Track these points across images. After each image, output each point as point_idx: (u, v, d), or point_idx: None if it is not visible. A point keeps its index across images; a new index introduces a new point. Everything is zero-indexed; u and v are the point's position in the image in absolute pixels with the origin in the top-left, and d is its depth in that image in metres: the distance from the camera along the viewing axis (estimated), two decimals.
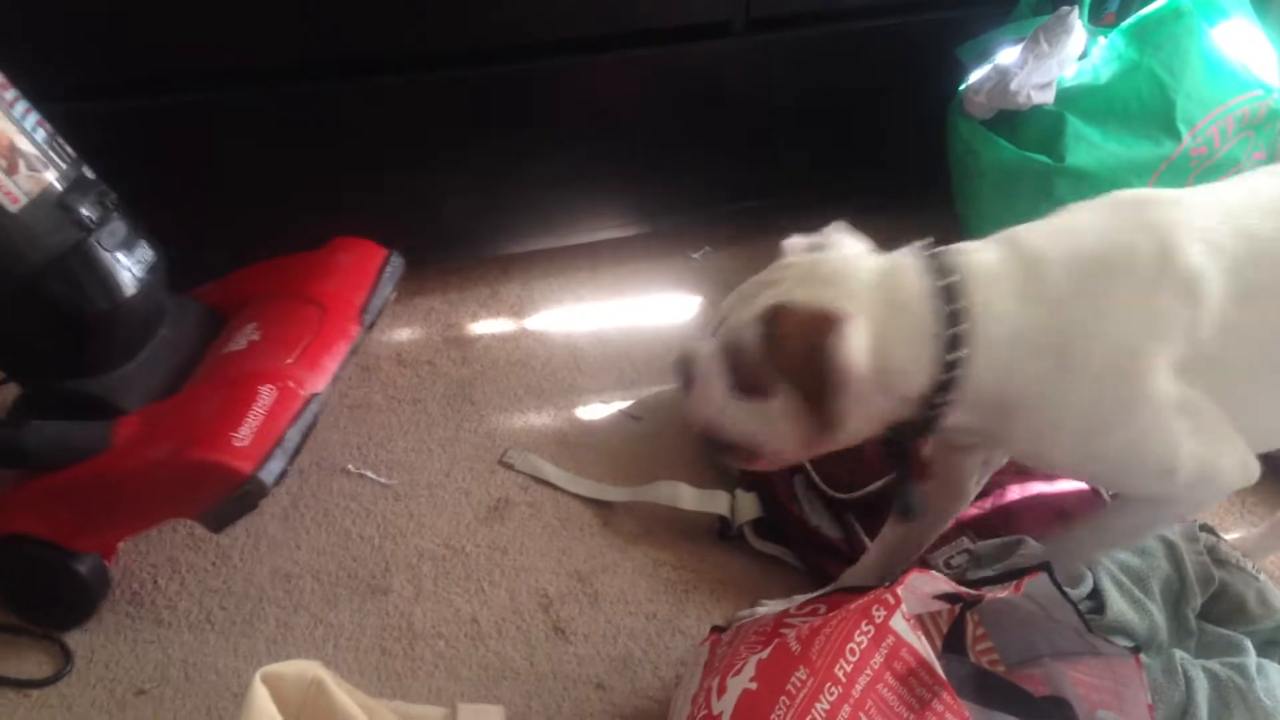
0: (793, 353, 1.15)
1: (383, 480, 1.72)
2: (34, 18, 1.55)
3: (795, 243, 1.28)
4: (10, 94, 1.35)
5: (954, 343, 1.16)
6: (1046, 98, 1.87)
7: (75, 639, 1.48)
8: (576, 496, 1.72)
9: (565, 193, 2.06)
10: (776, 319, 1.16)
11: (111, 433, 1.39)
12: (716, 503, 1.67)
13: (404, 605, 1.55)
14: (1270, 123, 1.90)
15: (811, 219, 2.19)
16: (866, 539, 1.58)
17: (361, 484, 1.72)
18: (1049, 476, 1.65)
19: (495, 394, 1.90)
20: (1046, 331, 1.16)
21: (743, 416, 1.23)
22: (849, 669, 1.10)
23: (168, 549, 1.60)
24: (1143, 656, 1.28)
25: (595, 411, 1.88)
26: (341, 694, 1.08)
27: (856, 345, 1.12)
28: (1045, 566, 1.24)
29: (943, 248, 1.22)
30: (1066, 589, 1.27)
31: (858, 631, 1.12)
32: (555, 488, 1.73)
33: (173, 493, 1.38)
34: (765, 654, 1.14)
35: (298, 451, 1.38)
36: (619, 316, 2.08)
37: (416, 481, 1.73)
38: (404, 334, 2.01)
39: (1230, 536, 1.54)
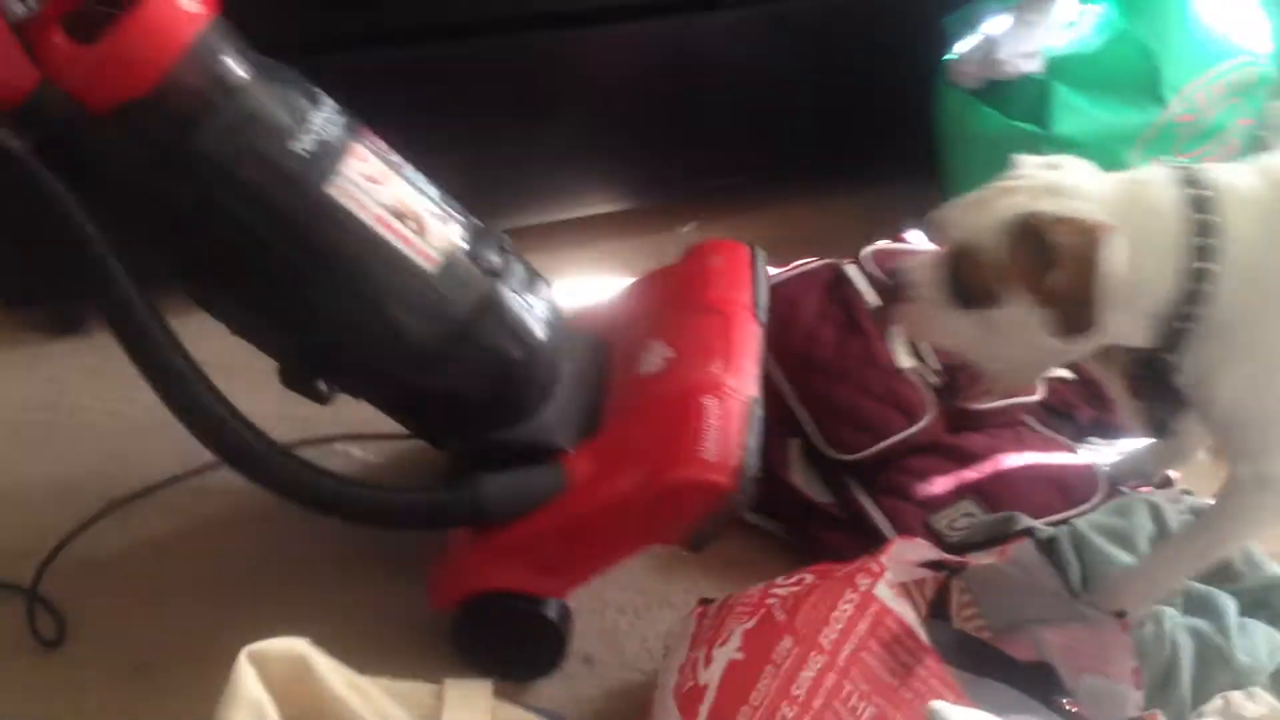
0: (1061, 262, 1.14)
1: (371, 458, 1.72)
2: None
3: (1028, 158, 1.28)
4: (395, 157, 1.36)
5: (1204, 254, 1.15)
6: (1034, 66, 1.86)
7: (69, 615, 1.47)
8: None
9: (552, 169, 2.05)
10: (1032, 228, 1.16)
11: (564, 473, 1.36)
12: None
13: (401, 584, 1.54)
14: (1258, 89, 1.90)
15: (798, 192, 2.22)
16: (868, 502, 1.59)
17: (349, 462, 1.71)
18: (1044, 446, 1.65)
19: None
20: (1271, 268, 1.16)
21: (964, 326, 1.23)
22: (834, 637, 1.11)
23: (166, 529, 1.60)
24: (1129, 618, 1.29)
25: None
26: (328, 671, 1.08)
27: (1120, 257, 1.13)
28: (1029, 532, 1.24)
29: (1188, 165, 1.21)
30: (1052, 558, 1.27)
31: (842, 600, 1.12)
32: None
33: (651, 520, 1.35)
34: (751, 624, 1.14)
35: (758, 457, 1.35)
36: (608, 293, 2.07)
37: (405, 460, 1.72)
38: None
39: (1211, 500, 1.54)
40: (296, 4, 1.70)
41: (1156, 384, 1.29)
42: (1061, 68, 1.85)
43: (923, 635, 1.12)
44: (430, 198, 1.36)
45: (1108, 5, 1.86)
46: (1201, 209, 1.16)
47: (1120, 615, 1.26)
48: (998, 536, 1.44)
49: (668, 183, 2.17)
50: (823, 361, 1.66)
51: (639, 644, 1.50)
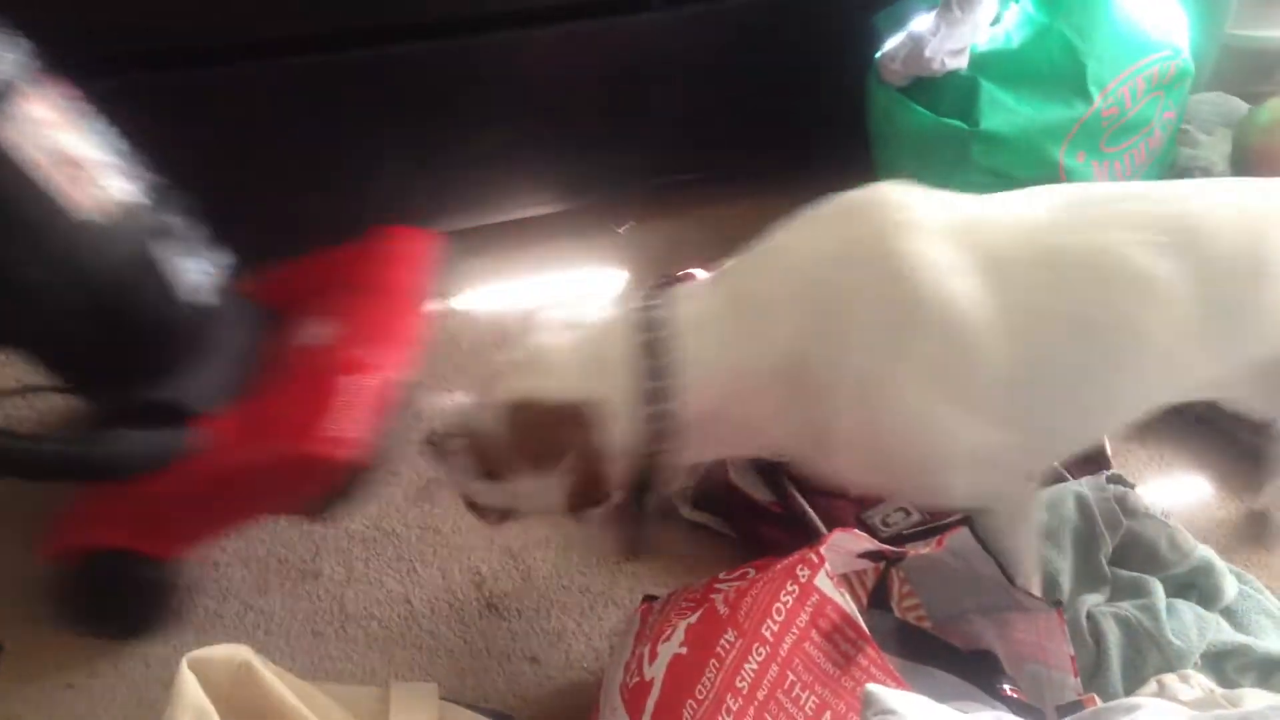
0: (542, 447, 1.21)
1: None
2: None
3: (549, 319, 1.30)
4: (77, 103, 1.33)
5: (658, 396, 1.19)
6: (960, 63, 1.88)
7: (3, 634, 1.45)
8: None
9: (488, 171, 2.05)
10: (521, 417, 1.21)
11: (198, 435, 1.36)
12: None
13: (335, 588, 1.55)
14: (1180, 83, 1.94)
15: (735, 190, 2.23)
16: (805, 504, 1.59)
17: None
18: None
19: (422, 374, 1.88)
20: (774, 369, 1.19)
21: (496, 496, 1.28)
22: (775, 629, 1.12)
23: None
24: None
25: None
26: (271, 676, 1.07)
27: (607, 430, 1.19)
28: (966, 521, 1.26)
29: (659, 298, 1.24)
30: (987, 546, 1.29)
31: (783, 591, 1.13)
32: None
33: (275, 489, 1.37)
34: (694, 619, 1.15)
35: (395, 438, 1.38)
36: (546, 293, 2.07)
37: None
38: None
39: (1143, 488, 1.57)
40: (239, 8, 1.69)
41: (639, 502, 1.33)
42: (987, 64, 1.88)
43: (862, 624, 1.13)
44: (106, 151, 1.35)
45: (1030, 2, 1.88)
46: (653, 354, 1.20)
47: (1056, 604, 1.28)
48: (935, 526, 1.46)
49: (605, 183, 2.18)
50: None
51: (585, 643, 1.50)
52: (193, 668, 1.04)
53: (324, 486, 1.35)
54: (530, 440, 1.21)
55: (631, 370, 1.20)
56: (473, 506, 1.34)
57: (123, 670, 1.43)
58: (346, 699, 1.14)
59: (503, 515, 1.33)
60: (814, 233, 1.24)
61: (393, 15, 1.81)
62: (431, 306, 1.59)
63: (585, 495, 1.24)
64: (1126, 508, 1.51)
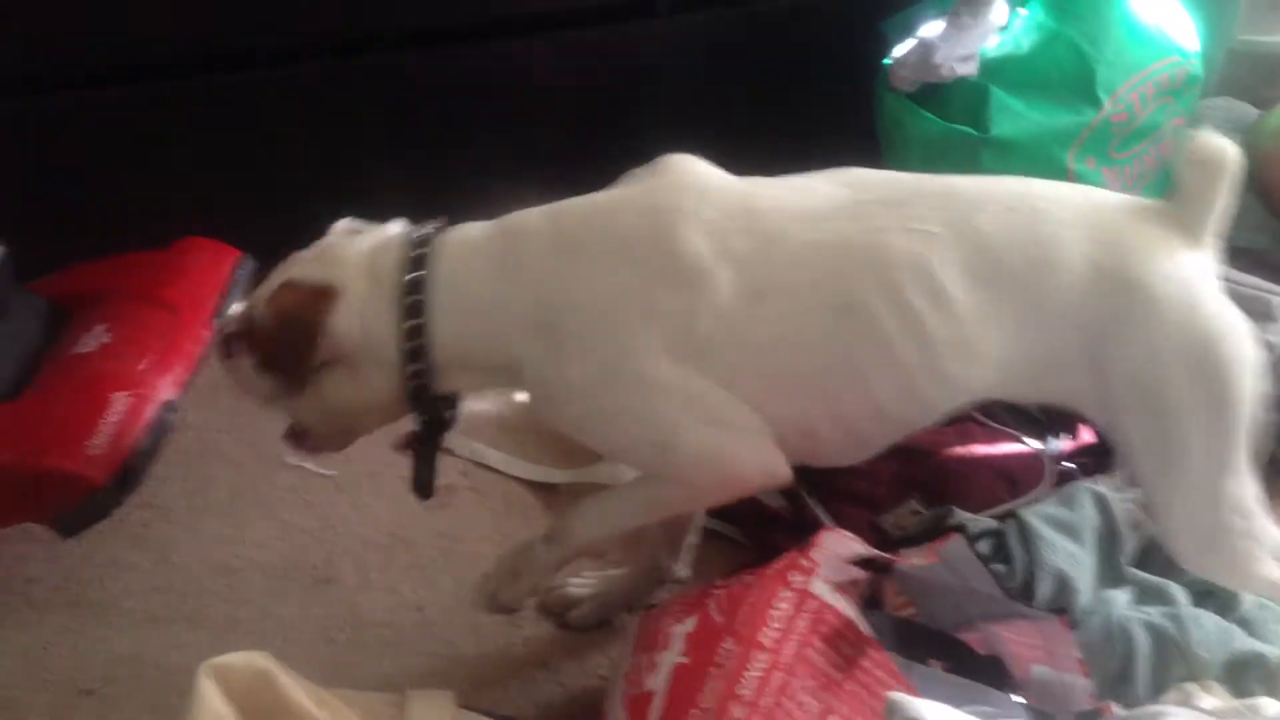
0: (285, 325, 1.22)
1: (323, 471, 1.72)
2: None
3: (341, 225, 1.35)
4: None
5: (413, 311, 1.22)
6: (970, 70, 1.89)
7: (18, 640, 1.46)
8: (520, 480, 1.73)
9: (491, 178, 2.04)
10: (277, 295, 1.24)
11: None
12: None
13: (350, 595, 1.55)
14: (1189, 87, 1.94)
15: None
16: (820, 509, 1.60)
17: (302, 476, 1.71)
18: (989, 438, 1.68)
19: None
20: (524, 304, 1.22)
21: (267, 391, 1.28)
22: (775, 635, 1.12)
23: (110, 549, 1.58)
24: (1083, 603, 1.30)
25: None
26: (290, 684, 1.08)
27: (343, 316, 1.22)
28: (960, 528, 1.25)
29: (445, 225, 1.30)
30: (983, 557, 1.29)
31: (777, 598, 1.13)
32: (498, 472, 1.74)
33: (21, 497, 1.35)
34: (691, 626, 1.15)
35: (153, 459, 1.37)
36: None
37: (358, 471, 1.72)
38: None
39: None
40: (256, 16, 1.69)
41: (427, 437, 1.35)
42: (997, 70, 1.88)
43: (863, 627, 1.14)
44: None
45: (1040, 7, 1.89)
46: (414, 269, 1.24)
47: (1060, 612, 1.28)
48: (932, 531, 1.46)
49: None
50: None
51: (598, 650, 1.51)
52: (213, 675, 1.04)
53: (72, 502, 1.33)
54: (284, 322, 1.23)
55: (393, 280, 1.23)
56: (295, 437, 1.35)
57: (141, 677, 1.43)
58: (363, 706, 1.15)
59: (294, 433, 1.34)
60: (596, 196, 1.30)
61: (399, 22, 1.82)
62: (215, 325, 1.55)
63: (285, 376, 1.24)
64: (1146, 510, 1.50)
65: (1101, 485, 1.55)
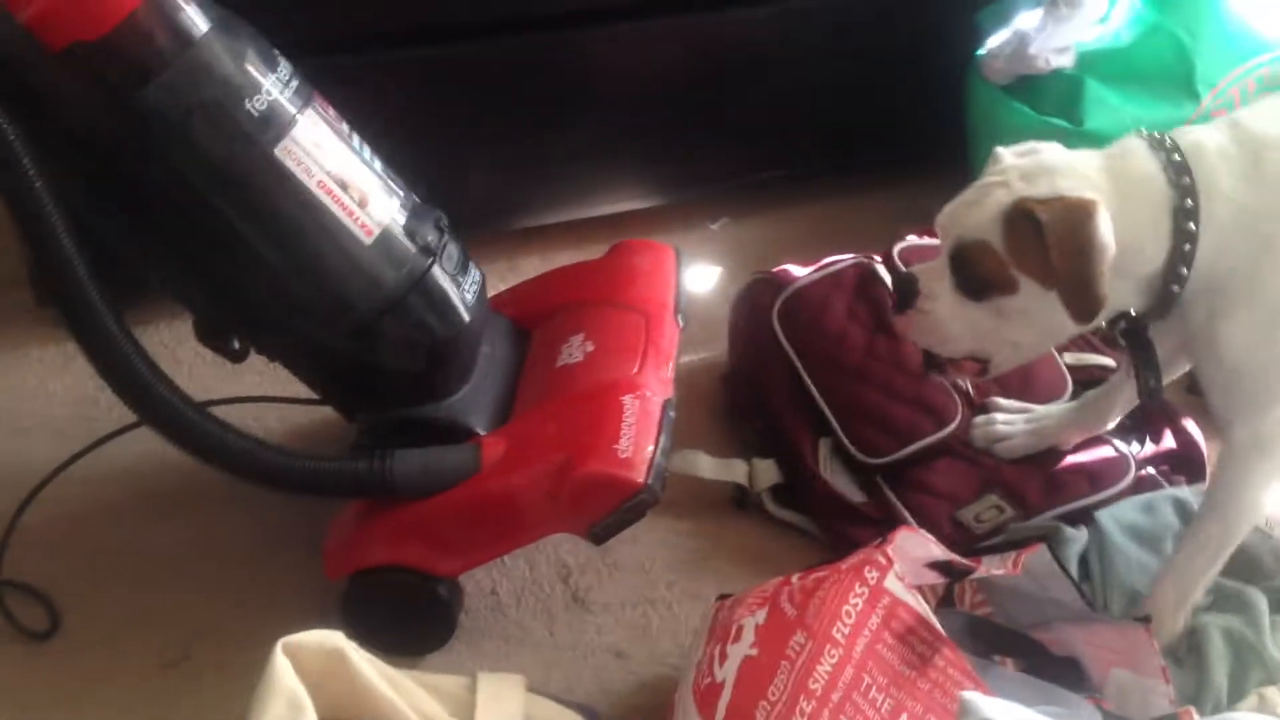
0: (1053, 243, 1.18)
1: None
2: None
3: (1005, 150, 1.33)
4: (344, 126, 1.37)
5: (1187, 216, 1.20)
6: (1066, 61, 1.86)
7: (99, 612, 1.49)
8: None
9: (584, 165, 2.06)
10: (1024, 213, 1.21)
11: (479, 454, 1.38)
12: (734, 471, 1.67)
13: None
14: None
15: (828, 187, 2.21)
16: (898, 502, 1.59)
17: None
18: (1090, 444, 1.64)
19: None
20: (1260, 215, 1.21)
21: (978, 319, 1.28)
22: (847, 631, 1.11)
23: (200, 524, 1.61)
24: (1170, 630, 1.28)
25: None
26: (363, 663, 1.09)
27: (1108, 227, 1.17)
28: (1045, 538, 1.24)
29: (1159, 131, 1.26)
30: (1067, 569, 1.27)
31: (852, 594, 1.12)
32: None
33: (559, 509, 1.36)
34: (762, 619, 1.15)
35: (668, 459, 1.38)
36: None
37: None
38: None
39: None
40: (314, 3, 1.71)
41: (1144, 350, 1.33)
42: (1093, 63, 1.85)
43: (937, 625, 1.12)
44: (374, 170, 1.37)
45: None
46: (1180, 172, 1.21)
47: (1145, 620, 1.26)
48: (1022, 541, 1.44)
49: (697, 179, 2.17)
50: (851, 364, 1.66)
51: (670, 638, 1.51)
52: (286, 652, 1.06)
53: (609, 507, 1.34)
54: (1035, 239, 1.20)
55: (1154, 187, 1.22)
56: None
57: (218, 653, 1.46)
58: (435, 687, 1.16)
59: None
60: None
61: (493, 9, 1.83)
62: (679, 323, 1.58)
63: (1083, 302, 1.21)
64: None
65: (1184, 490, 1.52)
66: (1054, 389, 1.66)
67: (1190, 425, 1.65)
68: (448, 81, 1.87)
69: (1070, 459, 1.61)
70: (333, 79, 1.78)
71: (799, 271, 1.77)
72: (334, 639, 1.09)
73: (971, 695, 0.93)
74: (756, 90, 2.09)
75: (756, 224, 2.22)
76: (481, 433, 1.42)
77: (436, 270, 1.38)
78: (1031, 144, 1.33)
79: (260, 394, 1.70)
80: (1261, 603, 1.39)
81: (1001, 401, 1.63)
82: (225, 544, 1.59)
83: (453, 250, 1.42)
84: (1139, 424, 1.66)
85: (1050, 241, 1.19)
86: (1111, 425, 1.59)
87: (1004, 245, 1.23)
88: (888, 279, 1.72)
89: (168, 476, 1.56)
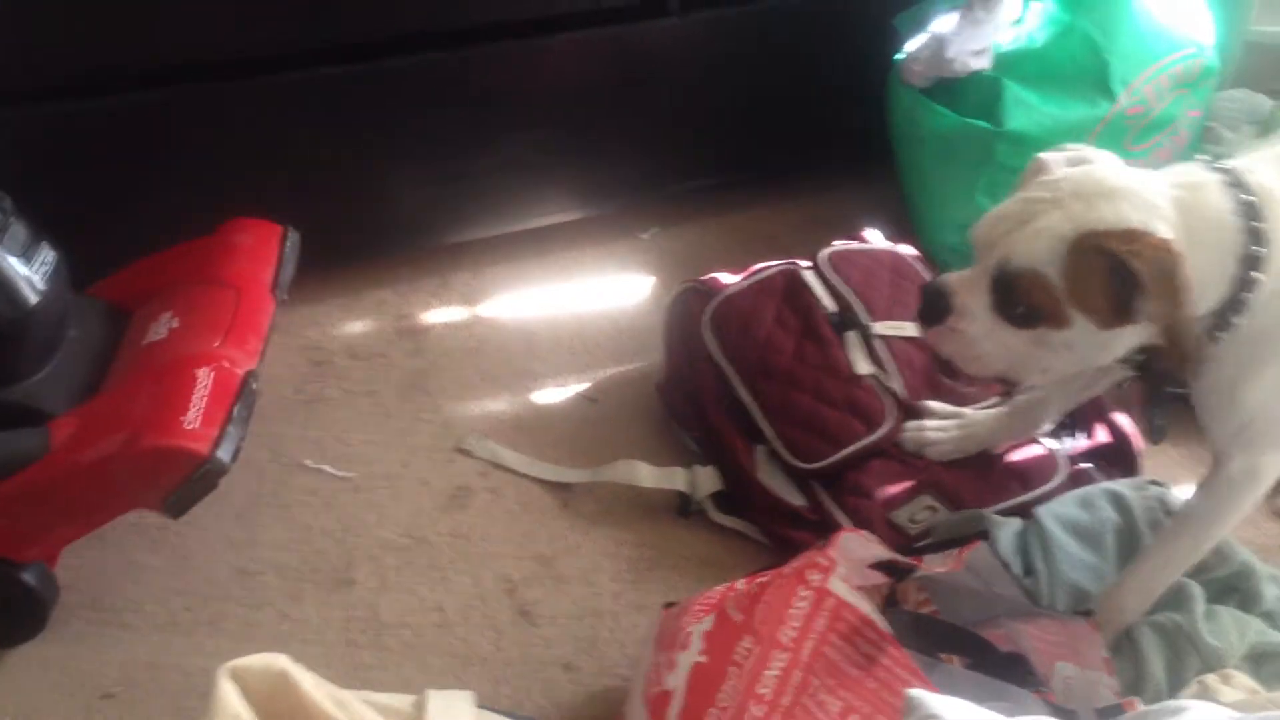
0: (1152, 291, 1.12)
1: (341, 474, 1.72)
2: None
3: (1052, 156, 1.25)
4: None
5: (1255, 263, 1.16)
6: (983, 64, 1.89)
7: (38, 645, 1.46)
8: (536, 480, 1.73)
9: (512, 178, 2.06)
10: (1096, 249, 1.13)
11: (48, 437, 1.36)
12: (675, 479, 1.67)
13: (369, 597, 1.55)
14: (1204, 80, 1.93)
15: (756, 194, 2.23)
16: (833, 506, 1.59)
17: (320, 478, 1.71)
18: (1021, 443, 1.66)
19: (450, 383, 1.90)
20: None
21: (1015, 345, 1.22)
22: (793, 634, 1.12)
23: (128, 553, 1.59)
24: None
25: (551, 395, 1.89)
26: (309, 685, 1.08)
27: (1189, 270, 1.11)
28: (983, 535, 1.25)
29: (1224, 163, 1.22)
30: (1007, 562, 1.28)
31: (796, 597, 1.13)
32: (514, 472, 1.74)
33: (130, 485, 1.36)
34: (709, 625, 1.15)
35: (246, 428, 1.38)
36: (571, 300, 2.08)
37: (375, 473, 1.73)
38: (355, 327, 2.00)
39: (1178, 490, 1.56)
40: (253, 21, 1.70)
41: (1156, 386, 1.32)
42: (1011, 64, 1.88)
43: (882, 624, 1.13)
44: None
45: (1053, 1, 1.88)
46: (1253, 216, 1.16)
47: (1087, 614, 1.27)
48: (958, 537, 1.45)
49: (625, 189, 2.18)
50: (781, 370, 1.66)
51: (618, 649, 1.50)
52: (231, 677, 1.04)
53: (180, 479, 1.34)
54: (1112, 276, 1.13)
55: (1230, 234, 1.16)
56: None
57: (160, 680, 1.44)
58: (383, 706, 1.14)
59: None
60: None
61: (413, 24, 1.83)
62: (276, 298, 1.59)
63: (1183, 348, 1.14)
64: (1167, 508, 1.49)
65: (1119, 484, 1.54)
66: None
67: (1121, 419, 1.67)
68: (366, 99, 1.86)
69: (1003, 459, 1.63)
70: (252, 99, 1.78)
71: (728, 279, 1.78)
72: (279, 661, 1.07)
73: (917, 692, 0.94)
74: (681, 100, 2.10)
75: (687, 232, 2.23)
76: (55, 414, 1.40)
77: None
78: (1078, 149, 1.26)
79: None
80: (1198, 592, 1.41)
81: (933, 405, 1.64)
82: None
83: (19, 231, 1.40)
84: (1072, 420, 1.68)
85: (1150, 290, 1.12)
86: (1043, 431, 1.60)
87: (1063, 280, 1.15)
88: (815, 287, 1.73)
89: None
